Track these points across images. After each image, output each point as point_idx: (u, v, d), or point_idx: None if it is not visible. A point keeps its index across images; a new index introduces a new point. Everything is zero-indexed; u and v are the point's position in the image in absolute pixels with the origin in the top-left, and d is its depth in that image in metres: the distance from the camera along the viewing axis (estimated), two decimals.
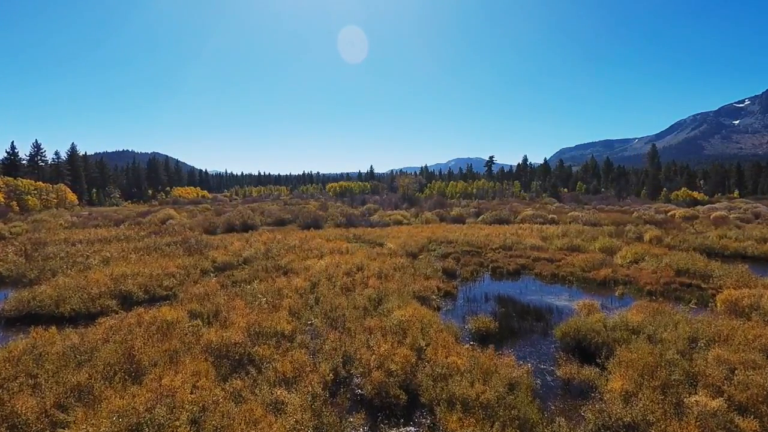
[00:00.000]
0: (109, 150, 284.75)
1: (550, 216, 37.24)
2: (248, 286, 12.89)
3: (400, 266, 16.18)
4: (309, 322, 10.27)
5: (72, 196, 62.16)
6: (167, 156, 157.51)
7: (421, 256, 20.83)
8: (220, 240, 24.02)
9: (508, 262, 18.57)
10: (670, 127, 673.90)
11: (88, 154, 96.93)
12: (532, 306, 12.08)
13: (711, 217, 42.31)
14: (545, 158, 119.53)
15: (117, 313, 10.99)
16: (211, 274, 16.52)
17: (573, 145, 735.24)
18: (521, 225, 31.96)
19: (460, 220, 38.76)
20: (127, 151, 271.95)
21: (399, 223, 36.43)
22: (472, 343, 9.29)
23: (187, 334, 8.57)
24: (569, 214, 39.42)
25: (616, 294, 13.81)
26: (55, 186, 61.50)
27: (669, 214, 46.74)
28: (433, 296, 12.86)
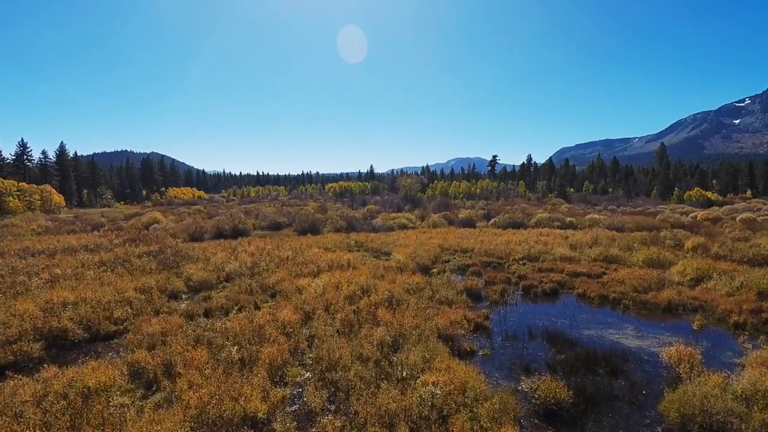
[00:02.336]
0: (108, 150, 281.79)
1: (568, 219, 34.23)
2: (219, 322, 9.84)
3: (414, 287, 13.18)
4: (296, 385, 7.25)
5: (58, 198, 58.99)
6: (164, 156, 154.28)
7: (434, 270, 17.86)
8: (203, 249, 20.99)
9: (540, 279, 15.55)
10: (670, 126, 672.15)
11: (86, 154, 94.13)
12: (598, 349, 9.05)
13: (738, 219, 39.47)
14: (549, 157, 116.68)
15: (34, 367, 7.96)
16: (183, 297, 13.48)
17: (573, 145, 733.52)
18: (540, 230, 28.94)
19: (469, 223, 35.75)
20: (126, 151, 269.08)
21: (404, 227, 33.40)
22: (535, 421, 6.30)
23: (108, 418, 5.55)
24: (587, 216, 36.42)
25: (694, 325, 10.80)
26: (39, 187, 58.39)
27: (691, 215, 43.85)
28: (462, 332, 9.85)
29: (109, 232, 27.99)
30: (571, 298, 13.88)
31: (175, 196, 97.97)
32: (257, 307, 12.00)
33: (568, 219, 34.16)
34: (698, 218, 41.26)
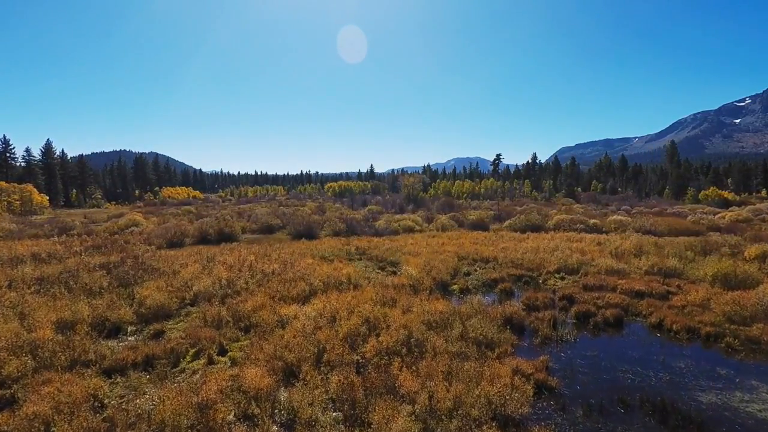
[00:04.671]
0: (107, 150, 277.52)
1: (592, 221, 30.83)
2: (152, 391, 6.44)
3: (437, 318, 9.75)
4: None
5: (39, 198, 55.51)
6: (158, 154, 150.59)
7: (455, 286, 14.52)
8: (176, 259, 17.58)
9: (593, 301, 12.17)
10: (670, 126, 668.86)
11: (85, 153, 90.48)
12: None
13: None
14: (555, 155, 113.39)
15: None
16: (128, 331, 10.06)
17: (573, 144, 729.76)
18: (567, 234, 25.53)
19: (481, 225, 32.35)
20: (124, 150, 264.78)
21: (410, 230, 29.98)
22: None
23: None
24: (611, 218, 33.02)
25: None
26: (20, 186, 54.92)
27: (717, 216, 40.54)
28: (527, 407, 6.42)
29: (76, 237, 24.55)
30: (641, 328, 10.53)
31: (169, 196, 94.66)
32: (222, 351, 8.62)
33: (592, 221, 30.76)
34: (726, 219, 37.98)
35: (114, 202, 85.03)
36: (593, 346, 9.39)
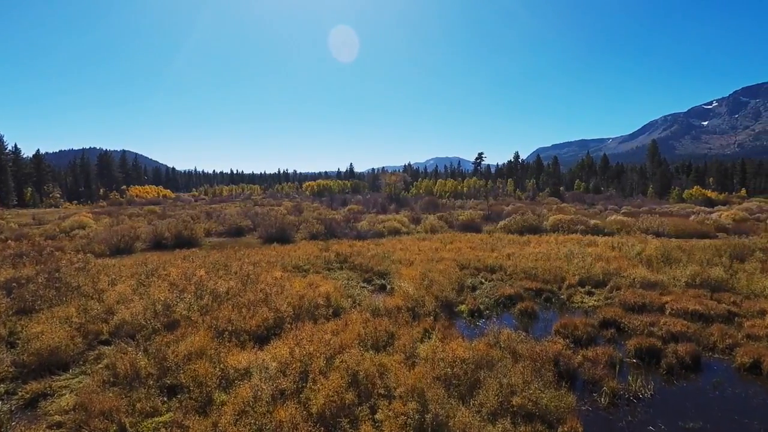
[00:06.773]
0: (76, 147, 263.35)
1: (593, 222, 28.41)
2: None
3: (459, 370, 6.66)
4: None
5: None
6: (127, 151, 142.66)
7: (461, 306, 11.53)
8: (113, 271, 13.99)
9: (647, 328, 9.34)
10: (642, 127, 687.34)
11: (52, 151, 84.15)
12: None
13: None
14: (537, 155, 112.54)
15: None
16: None
17: (549, 145, 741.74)
18: (578, 237, 22.91)
19: (473, 226, 29.56)
20: (94, 148, 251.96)
21: (396, 232, 26.89)
22: None
23: None
24: (612, 218, 30.79)
25: None
26: None
27: (714, 215, 39.03)
28: None
29: None
30: (728, 371, 7.73)
31: (137, 195, 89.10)
32: None
33: (593, 222, 28.34)
34: (721, 218, 36.39)
35: (75, 202, 79.03)
36: (685, 408, 6.47)
